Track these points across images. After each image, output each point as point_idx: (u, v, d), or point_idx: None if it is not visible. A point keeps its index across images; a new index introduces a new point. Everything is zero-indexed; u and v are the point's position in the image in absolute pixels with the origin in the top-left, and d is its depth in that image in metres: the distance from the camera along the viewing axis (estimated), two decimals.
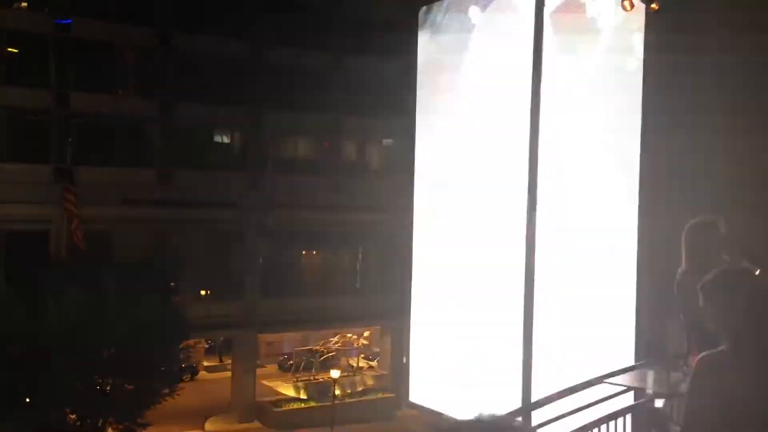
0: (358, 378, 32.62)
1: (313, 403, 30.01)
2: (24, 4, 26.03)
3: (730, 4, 7.09)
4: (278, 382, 32.27)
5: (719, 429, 3.09)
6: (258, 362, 32.67)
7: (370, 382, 32.63)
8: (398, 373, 29.70)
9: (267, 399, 30.56)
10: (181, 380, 24.06)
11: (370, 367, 35.39)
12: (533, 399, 5.69)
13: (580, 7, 6.67)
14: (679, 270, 4.96)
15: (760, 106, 6.97)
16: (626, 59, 6.98)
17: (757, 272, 3.99)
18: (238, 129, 30.43)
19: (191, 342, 24.15)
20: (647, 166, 6.94)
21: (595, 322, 6.53)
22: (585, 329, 6.42)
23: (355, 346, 35.22)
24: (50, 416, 19.62)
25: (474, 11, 6.93)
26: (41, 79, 25.71)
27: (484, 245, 6.68)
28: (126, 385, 20.62)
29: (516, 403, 5.84)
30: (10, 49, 25.74)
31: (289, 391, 31.11)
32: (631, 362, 6.35)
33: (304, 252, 32.24)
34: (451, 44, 7.22)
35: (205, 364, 36.86)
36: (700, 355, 3.26)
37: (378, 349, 35.76)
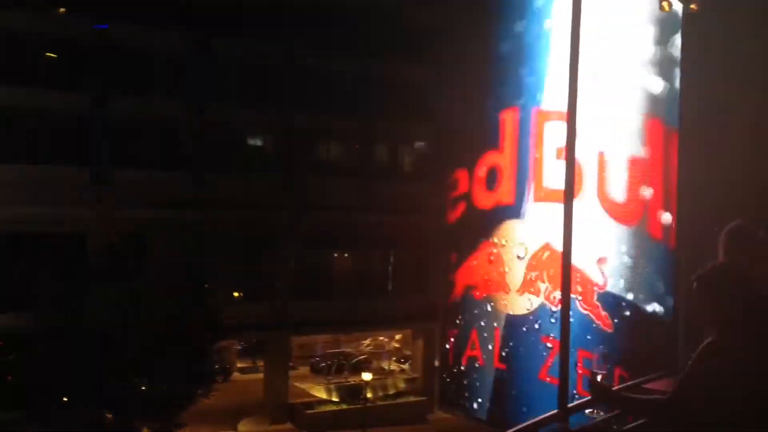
0: (389, 381, 32.59)
1: (344, 406, 30.07)
2: (62, 10, 26.45)
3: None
4: (310, 384, 32.35)
5: (703, 404, 3.48)
6: (290, 364, 32.82)
7: (401, 385, 32.57)
8: (430, 377, 29.60)
9: (299, 401, 30.66)
10: (215, 381, 24.27)
11: (402, 371, 35.35)
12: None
13: None
14: None
15: None
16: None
17: None
18: (271, 132, 30.64)
19: (225, 343, 24.34)
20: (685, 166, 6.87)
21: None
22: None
23: (387, 349, 35.21)
24: (87, 416, 19.90)
25: None
26: (79, 83, 26.15)
27: None
28: (161, 386, 20.84)
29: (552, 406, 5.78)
30: (48, 54, 26.22)
31: (321, 393, 31.19)
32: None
33: (335, 254, 32.28)
34: None
35: (239, 365, 37.18)
36: (708, 340, 3.59)
37: (410, 352, 35.70)
